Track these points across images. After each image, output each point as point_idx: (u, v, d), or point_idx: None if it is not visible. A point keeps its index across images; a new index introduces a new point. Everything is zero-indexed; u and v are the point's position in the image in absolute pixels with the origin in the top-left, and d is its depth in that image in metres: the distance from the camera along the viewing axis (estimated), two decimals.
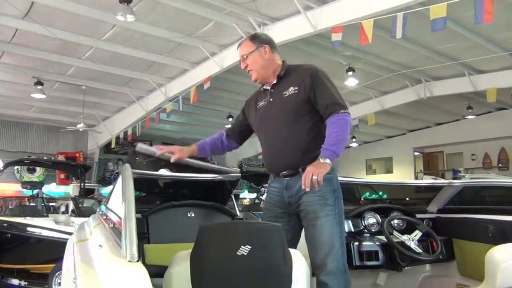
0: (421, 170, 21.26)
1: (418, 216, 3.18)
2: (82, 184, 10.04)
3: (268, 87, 2.57)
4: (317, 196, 2.35)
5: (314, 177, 2.13)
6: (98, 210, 2.76)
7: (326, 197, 2.36)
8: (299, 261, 1.79)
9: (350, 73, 11.94)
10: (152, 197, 2.89)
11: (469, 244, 2.92)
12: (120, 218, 1.44)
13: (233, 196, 2.94)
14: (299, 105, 2.41)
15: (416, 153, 21.38)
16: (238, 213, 2.78)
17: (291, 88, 2.44)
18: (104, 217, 2.08)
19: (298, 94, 2.42)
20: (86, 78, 12.34)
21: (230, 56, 10.97)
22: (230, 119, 16.03)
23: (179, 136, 19.37)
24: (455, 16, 8.53)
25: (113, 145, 15.99)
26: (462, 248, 2.98)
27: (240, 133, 2.87)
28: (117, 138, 15.51)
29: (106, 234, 1.65)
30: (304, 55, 11.30)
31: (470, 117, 17.38)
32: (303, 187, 2.18)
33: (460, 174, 10.22)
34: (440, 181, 3.40)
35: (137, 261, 1.14)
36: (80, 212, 8.26)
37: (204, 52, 10.90)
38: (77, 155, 16.37)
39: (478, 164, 19.61)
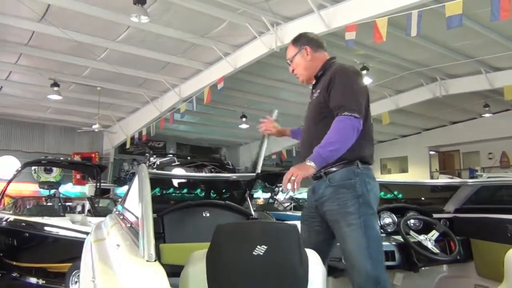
0: (436, 169, 21.02)
1: (435, 216, 3.15)
2: (98, 184, 10.14)
3: (311, 87, 2.58)
4: (337, 204, 2.25)
5: (292, 178, 2.06)
6: (114, 210, 2.78)
7: (347, 205, 2.23)
8: (315, 262, 1.78)
9: (364, 72, 11.84)
10: (168, 196, 2.91)
11: (487, 245, 2.87)
12: (137, 217, 1.44)
13: (247, 196, 2.94)
14: (320, 108, 2.36)
15: (431, 152, 21.16)
16: (253, 212, 2.78)
17: (318, 91, 2.41)
18: (121, 217, 2.09)
19: (319, 97, 2.38)
20: (101, 79, 12.47)
21: (244, 56, 10.99)
22: (244, 119, 16.06)
23: (193, 136, 19.46)
24: (470, 13, 8.41)
25: (128, 146, 16.11)
26: (480, 248, 2.94)
27: None
28: (132, 138, 15.64)
29: (123, 234, 1.66)
30: None
31: (487, 115, 17.12)
32: (282, 187, 2.18)
33: (477, 173, 10.05)
34: (457, 180, 3.35)
35: (155, 260, 1.14)
36: (96, 211, 8.34)
37: (217, 52, 10.93)
38: (93, 155, 16.54)
39: (495, 163, 19.32)
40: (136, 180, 1.87)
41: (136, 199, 1.59)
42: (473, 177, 10.14)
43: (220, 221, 2.68)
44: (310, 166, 2.10)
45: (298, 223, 2.77)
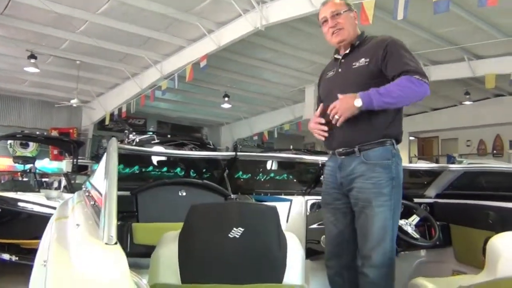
0: (415, 155, 21.29)
1: (415, 200, 3.12)
2: (75, 160, 9.94)
3: (339, 57, 2.43)
4: (371, 183, 2.19)
5: (336, 117, 2.07)
6: (83, 186, 2.67)
7: (382, 185, 2.18)
8: (294, 245, 1.71)
9: None
10: (143, 174, 2.80)
11: (467, 230, 2.86)
12: (101, 194, 1.35)
13: (226, 176, 2.85)
14: (366, 78, 2.23)
15: (411, 138, 21.36)
16: (231, 193, 2.70)
17: (362, 59, 2.27)
18: (87, 194, 1.98)
19: (368, 66, 2.25)
20: (80, 52, 12.11)
21: (228, 34, 10.77)
22: (226, 99, 15.89)
23: (175, 114, 19.21)
24: None
25: (107, 122, 15.82)
26: (459, 234, 2.93)
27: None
28: (111, 115, 15.35)
29: (86, 212, 1.55)
30: (303, 35, 11.12)
31: (467, 103, 17.29)
32: (328, 111, 2.10)
33: (457, 159, 10.14)
34: (439, 165, 3.32)
35: (115, 243, 1.04)
36: (72, 188, 8.18)
37: (201, 29, 10.68)
38: (71, 131, 16.21)
39: (472, 150, 19.63)
40: (105, 154, 1.77)
41: (102, 175, 1.48)
42: (453, 163, 10.26)
43: (197, 200, 2.58)
44: (357, 107, 2.07)
45: (278, 205, 2.70)
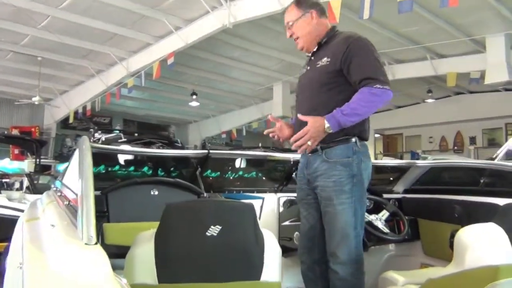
0: (380, 152, 21.76)
1: (384, 196, 3.18)
2: (38, 160, 9.63)
3: (309, 54, 2.43)
4: (332, 181, 2.21)
5: (309, 143, 2.09)
6: (52, 186, 2.58)
7: (342, 183, 2.19)
8: (271, 242, 1.71)
9: None
10: (113, 173, 2.73)
11: (434, 224, 2.94)
12: (76, 195, 1.30)
13: (198, 174, 2.82)
14: (327, 77, 2.24)
15: (376, 135, 21.80)
16: (203, 191, 2.67)
17: (325, 59, 2.27)
18: (59, 194, 1.91)
19: (329, 65, 2.24)
20: (42, 48, 11.71)
21: (195, 31, 10.68)
22: (194, 97, 15.76)
23: (141, 112, 18.90)
24: None
25: (71, 120, 15.39)
26: (427, 228, 3.01)
27: None
28: (76, 113, 14.95)
29: (60, 213, 1.49)
30: (272, 34, 11.15)
31: (430, 100, 17.81)
32: (293, 147, 2.12)
33: (422, 155, 10.42)
34: (407, 162, 3.40)
35: (95, 243, 1.01)
36: (35, 189, 7.92)
37: (168, 26, 10.54)
38: (33, 129, 15.67)
39: (435, 146, 20.24)
40: (76, 153, 1.71)
41: (76, 175, 1.43)
42: (418, 159, 10.55)
43: (169, 199, 2.55)
44: (326, 130, 2.10)
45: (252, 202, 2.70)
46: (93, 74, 13.43)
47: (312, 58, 2.39)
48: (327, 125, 2.09)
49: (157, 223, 1.97)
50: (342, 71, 2.21)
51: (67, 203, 1.50)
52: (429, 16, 10.19)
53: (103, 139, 9.27)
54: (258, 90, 16.09)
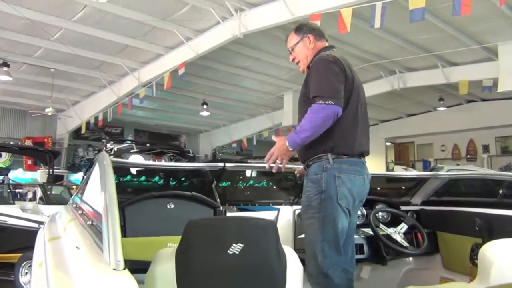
0: (392, 160, 21.58)
1: (402, 208, 3.13)
2: (51, 170, 9.69)
3: None
4: (304, 197, 2.34)
5: (278, 162, 2.22)
6: (70, 201, 2.57)
7: (311, 199, 2.29)
8: (293, 260, 1.68)
9: None
10: (130, 187, 2.72)
11: (454, 237, 2.88)
12: (99, 214, 1.28)
13: (214, 187, 2.80)
14: (301, 100, 2.43)
15: (387, 143, 21.66)
16: (220, 205, 2.65)
17: (303, 84, 2.45)
18: (79, 211, 1.88)
19: (302, 88, 2.43)
20: (55, 60, 11.85)
21: (206, 42, 10.74)
22: (205, 106, 15.81)
23: (152, 122, 19.00)
24: (431, 7, 8.55)
25: (83, 131, 15.50)
26: (446, 241, 2.95)
27: None
28: (88, 123, 15.06)
29: (83, 232, 1.47)
30: (280, 42, 11.14)
31: (441, 108, 17.66)
32: (266, 166, 2.24)
33: (436, 166, 10.28)
34: (425, 173, 3.35)
35: (124, 269, 0.98)
36: (48, 199, 7.99)
37: (179, 36, 10.62)
38: (46, 140, 15.81)
39: (447, 155, 20.04)
40: (96, 169, 1.69)
41: (97, 192, 1.42)
42: (432, 169, 10.41)
43: (185, 213, 2.54)
44: (287, 148, 2.22)
45: (266, 214, 2.69)
46: (105, 85, 13.55)
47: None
48: (287, 143, 2.22)
49: (174, 237, 1.95)
50: (308, 93, 2.36)
51: (90, 222, 1.48)
52: (440, 24, 10.14)
53: (115, 149, 9.31)
54: (269, 99, 16.10)
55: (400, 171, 19.10)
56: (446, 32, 10.62)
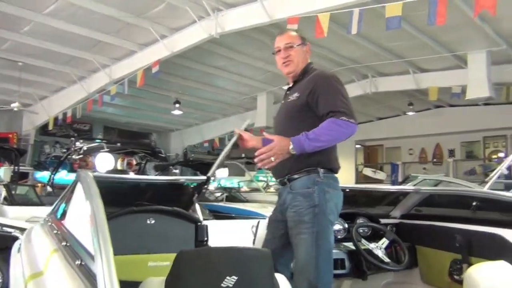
0: (361, 163, 21.91)
1: (381, 221, 3.14)
2: (17, 168, 9.34)
3: (286, 88, 2.61)
4: (293, 211, 2.28)
5: (272, 159, 2.14)
6: (46, 219, 2.43)
7: (302, 213, 2.25)
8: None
9: None
10: (108, 201, 2.60)
11: (433, 252, 2.91)
12: (90, 256, 1.18)
13: (196, 200, 2.73)
14: (295, 112, 2.38)
15: (357, 146, 21.97)
16: (202, 219, 2.58)
17: (296, 94, 2.41)
18: (63, 243, 1.69)
19: (297, 101, 2.38)
20: (23, 54, 11.43)
21: (181, 40, 10.59)
22: (177, 105, 15.61)
23: (123, 120, 18.63)
24: (405, 14, 8.69)
25: (50, 127, 15.01)
26: (425, 255, 2.98)
27: None
28: (55, 119, 14.60)
29: (70, 273, 1.35)
30: (257, 44, 11.14)
31: (410, 113, 18.04)
32: (256, 159, 2.17)
33: (411, 175, 10.48)
34: (406, 188, 3.37)
35: None
36: (13, 199, 7.68)
37: (153, 34, 10.42)
38: (10, 136, 15.25)
39: (414, 158, 20.50)
40: (79, 189, 1.59)
41: (83, 222, 1.32)
42: (407, 178, 10.52)
43: (167, 229, 2.46)
44: (290, 151, 2.17)
45: (242, 224, 2.65)
46: (75, 80, 13.17)
47: (288, 92, 2.55)
48: (291, 146, 2.17)
49: (155, 256, 1.87)
50: (308, 106, 2.33)
51: (79, 262, 1.35)
52: (414, 31, 10.33)
53: (85, 148, 9.04)
54: (243, 99, 16.05)
55: (368, 173, 19.63)
56: (419, 40, 10.83)
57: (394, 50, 12.05)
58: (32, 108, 15.20)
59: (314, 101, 2.30)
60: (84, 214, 1.42)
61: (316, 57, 12.45)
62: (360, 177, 20.61)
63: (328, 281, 2.25)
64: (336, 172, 2.41)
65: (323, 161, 2.33)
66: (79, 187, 1.62)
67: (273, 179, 2.67)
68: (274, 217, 2.50)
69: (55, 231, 1.85)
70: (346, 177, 20.25)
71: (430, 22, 7.22)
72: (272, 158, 2.15)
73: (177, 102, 15.47)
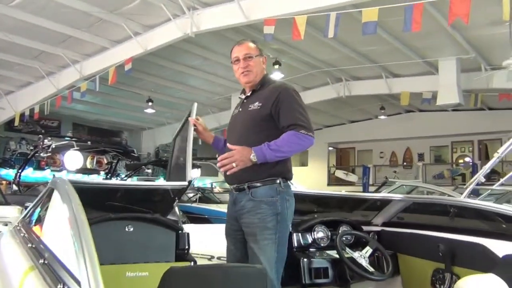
0: (333, 165, 22.13)
1: (363, 228, 3.11)
2: None
3: (242, 97, 2.64)
4: (257, 218, 2.35)
5: (234, 164, 2.25)
6: (18, 227, 2.25)
7: (266, 220, 2.34)
8: None
9: (276, 66, 11.92)
10: (84, 208, 2.45)
11: (415, 261, 2.89)
12: (74, 278, 1.06)
13: (176, 206, 2.62)
14: (258, 120, 2.44)
15: (330, 148, 22.18)
16: (183, 226, 2.47)
17: (257, 103, 2.47)
18: (41, 260, 1.51)
19: (260, 110, 2.44)
20: None
21: (155, 38, 10.38)
22: (150, 103, 15.35)
23: (93, 117, 18.17)
24: (380, 20, 8.77)
25: (16, 123, 14.44)
26: (407, 263, 2.96)
27: None
28: (22, 115, 14.07)
29: None
30: (232, 44, 10.94)
31: (382, 117, 18.34)
32: (218, 164, 2.29)
33: (389, 180, 10.56)
34: (388, 195, 3.35)
35: None
36: None
37: (127, 31, 10.17)
38: None
39: (385, 161, 20.87)
40: (56, 198, 1.45)
41: (63, 236, 1.19)
42: (384, 183, 10.61)
43: (146, 237, 2.34)
44: (252, 159, 2.28)
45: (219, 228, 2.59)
46: (43, 75, 12.71)
47: (245, 101, 2.60)
48: (253, 154, 2.28)
49: (133, 266, 1.77)
50: (271, 116, 2.43)
51: (61, 286, 1.21)
52: (388, 37, 10.47)
53: (53, 146, 8.69)
54: (217, 99, 15.93)
55: (340, 175, 19.80)
56: (392, 45, 10.98)
57: (368, 55, 12.18)
58: None
59: (276, 112, 2.40)
60: (63, 227, 1.29)
61: (290, 59, 12.48)
62: (332, 179, 20.82)
63: (282, 283, 2.38)
64: (290, 180, 2.55)
65: (283, 171, 2.45)
66: (55, 195, 1.49)
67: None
68: (230, 226, 2.55)
69: (29, 244, 1.69)
70: (318, 179, 20.46)
71: (406, 28, 7.30)
72: (234, 164, 2.25)
73: (150, 100, 15.22)
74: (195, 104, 2.76)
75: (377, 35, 9.94)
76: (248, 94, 2.59)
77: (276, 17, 8.28)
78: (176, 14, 9.61)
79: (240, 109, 2.60)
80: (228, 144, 2.43)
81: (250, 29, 9.95)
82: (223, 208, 8.37)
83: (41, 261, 1.41)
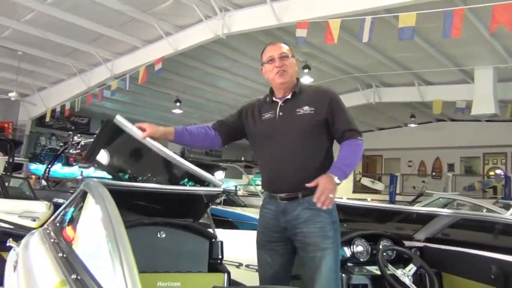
0: (360, 172, 21.73)
1: (405, 243, 2.92)
2: (11, 160, 9.06)
3: (278, 100, 2.43)
4: (317, 227, 2.28)
5: (331, 196, 2.11)
6: (47, 230, 2.16)
7: (326, 229, 2.29)
8: None
9: (306, 70, 11.76)
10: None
11: (463, 281, 2.68)
12: None
13: (209, 212, 2.50)
14: (312, 125, 2.34)
15: None
16: (217, 234, 2.35)
17: (307, 107, 2.35)
18: (73, 276, 1.36)
19: (314, 115, 2.34)
20: (23, 43, 11.16)
21: (186, 39, 10.38)
22: (178, 104, 15.39)
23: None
24: (416, 26, 8.53)
25: (47, 119, 14.70)
26: (454, 284, 2.75)
27: (228, 134, 2.61)
28: (53, 111, 14.30)
29: None
30: (262, 47, 10.85)
31: (412, 125, 17.90)
32: (318, 205, 2.10)
33: (425, 192, 10.19)
34: (435, 210, 3.16)
35: None
36: (6, 193, 7.41)
37: (158, 31, 10.20)
38: (6, 125, 14.93)
39: (413, 170, 20.36)
40: (91, 201, 1.34)
41: (99, 251, 1.08)
42: (421, 194, 10.19)
43: (178, 244, 2.22)
44: (337, 183, 2.19)
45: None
46: (75, 73, 12.90)
47: (282, 104, 2.42)
48: (335, 177, 2.20)
49: (165, 275, 1.65)
50: (326, 121, 2.35)
51: None
52: (422, 43, 10.17)
53: (83, 143, 8.78)
54: (244, 101, 15.78)
55: (366, 183, 19.41)
56: (427, 52, 10.68)
57: (400, 61, 11.89)
58: (29, 99, 14.92)
59: (331, 116, 2.35)
60: (98, 236, 1.18)
61: (320, 63, 12.28)
62: (358, 186, 20.43)
63: None
64: None
65: None
66: (89, 200, 1.38)
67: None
68: (266, 237, 2.41)
69: (59, 254, 1.59)
70: (344, 185, 19.86)
71: (445, 34, 7.04)
72: (330, 195, 2.14)
73: (178, 100, 15.25)
74: (118, 116, 2.50)
75: (410, 41, 9.68)
76: (289, 97, 2.41)
77: (309, 20, 8.13)
78: (208, 15, 9.57)
79: (281, 113, 2.39)
80: (306, 185, 2.21)
81: (281, 32, 9.81)
82: (248, 212, 8.29)
83: (73, 276, 1.29)
